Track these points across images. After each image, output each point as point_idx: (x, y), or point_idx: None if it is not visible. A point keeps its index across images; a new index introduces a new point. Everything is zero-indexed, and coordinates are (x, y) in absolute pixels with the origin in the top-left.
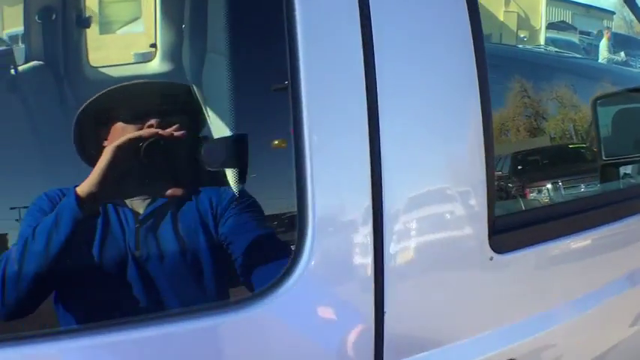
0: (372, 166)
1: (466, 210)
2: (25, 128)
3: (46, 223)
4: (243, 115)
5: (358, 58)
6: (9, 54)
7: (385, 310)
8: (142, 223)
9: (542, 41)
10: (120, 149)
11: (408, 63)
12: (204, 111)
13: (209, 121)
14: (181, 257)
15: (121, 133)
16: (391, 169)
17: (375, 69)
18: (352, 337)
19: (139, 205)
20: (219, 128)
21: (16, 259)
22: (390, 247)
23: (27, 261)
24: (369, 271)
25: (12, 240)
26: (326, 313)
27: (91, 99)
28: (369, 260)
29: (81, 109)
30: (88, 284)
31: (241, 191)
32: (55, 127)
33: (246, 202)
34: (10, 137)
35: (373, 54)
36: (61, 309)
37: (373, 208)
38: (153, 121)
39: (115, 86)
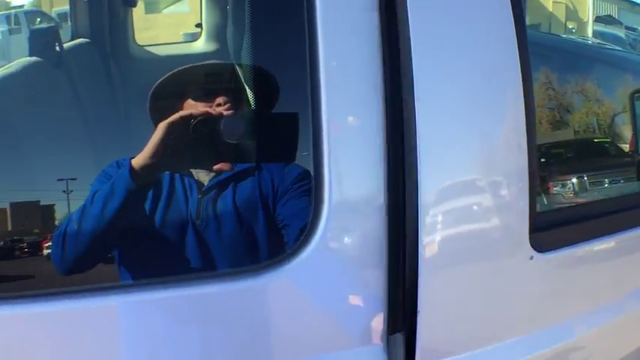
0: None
1: (506, 205)
2: (72, 104)
3: (104, 189)
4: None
5: (379, 44)
6: (55, 31)
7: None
8: (205, 194)
9: (589, 33)
10: (171, 125)
11: (444, 47)
12: (255, 90)
13: (255, 100)
14: (238, 228)
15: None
16: (424, 158)
17: (409, 56)
18: (362, 323)
19: (204, 176)
20: (259, 106)
21: (76, 219)
22: (422, 239)
23: (85, 222)
24: (383, 261)
25: (59, 210)
26: (331, 294)
27: (165, 76)
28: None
29: (155, 85)
30: (146, 245)
31: (303, 173)
32: (102, 103)
33: (306, 186)
34: (57, 112)
35: (409, 40)
36: (121, 267)
37: (401, 198)
38: (221, 100)
39: (187, 66)
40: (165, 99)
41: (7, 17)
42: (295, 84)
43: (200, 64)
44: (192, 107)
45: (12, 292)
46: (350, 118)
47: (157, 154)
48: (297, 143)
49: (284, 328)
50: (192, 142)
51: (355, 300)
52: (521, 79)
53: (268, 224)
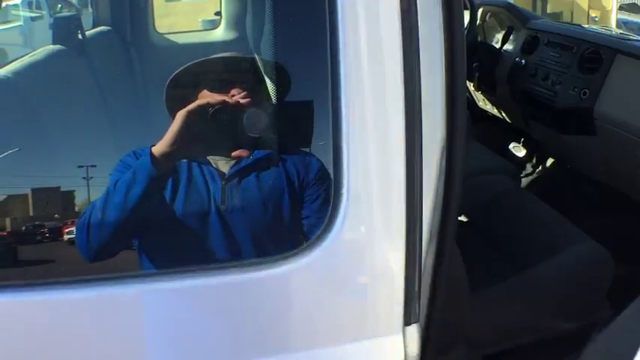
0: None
1: None
2: (93, 91)
3: (125, 177)
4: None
5: None
6: (77, 19)
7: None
8: (228, 181)
9: (613, 22)
10: (190, 114)
11: None
12: (274, 80)
13: (274, 90)
14: (261, 216)
15: None
16: None
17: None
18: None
19: (223, 165)
20: (277, 96)
21: (99, 207)
22: None
23: (108, 210)
24: (401, 252)
25: (78, 196)
26: (349, 285)
27: (183, 67)
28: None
29: (172, 75)
30: (166, 234)
31: (324, 166)
32: (123, 90)
33: (328, 181)
34: (79, 99)
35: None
36: (142, 255)
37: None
38: (235, 91)
39: (204, 58)
40: (184, 89)
41: (29, 3)
42: (315, 73)
43: (219, 55)
44: (210, 97)
45: (33, 278)
46: (369, 107)
47: (177, 141)
48: (316, 133)
49: (301, 317)
50: (211, 130)
51: (372, 291)
52: None
53: (291, 214)
